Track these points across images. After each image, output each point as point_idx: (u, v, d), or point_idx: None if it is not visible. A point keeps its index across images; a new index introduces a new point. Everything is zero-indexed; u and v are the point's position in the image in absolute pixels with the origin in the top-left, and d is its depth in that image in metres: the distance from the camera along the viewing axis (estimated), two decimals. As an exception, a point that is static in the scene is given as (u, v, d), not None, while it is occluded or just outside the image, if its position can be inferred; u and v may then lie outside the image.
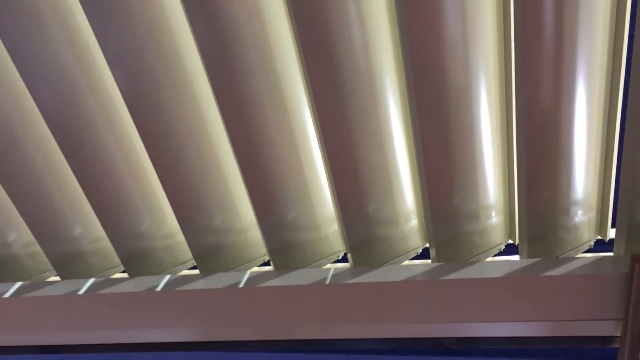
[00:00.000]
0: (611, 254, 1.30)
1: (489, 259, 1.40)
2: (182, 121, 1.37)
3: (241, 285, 1.44)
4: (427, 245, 1.50)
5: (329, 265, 1.50)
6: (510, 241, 1.48)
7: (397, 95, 1.31)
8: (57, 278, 1.65)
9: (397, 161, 1.39)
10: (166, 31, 1.27)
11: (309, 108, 1.33)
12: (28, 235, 1.61)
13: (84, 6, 1.22)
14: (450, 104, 1.25)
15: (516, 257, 1.39)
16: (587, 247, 1.40)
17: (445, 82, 1.22)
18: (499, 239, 1.46)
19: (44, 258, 1.64)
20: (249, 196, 1.42)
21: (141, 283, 1.53)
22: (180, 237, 1.55)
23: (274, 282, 1.43)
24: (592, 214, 1.39)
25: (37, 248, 1.61)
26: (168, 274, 1.57)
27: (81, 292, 1.54)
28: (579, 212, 1.36)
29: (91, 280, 1.58)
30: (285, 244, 1.49)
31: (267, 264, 1.56)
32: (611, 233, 1.40)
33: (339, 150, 1.33)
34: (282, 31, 1.26)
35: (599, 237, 1.42)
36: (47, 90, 1.34)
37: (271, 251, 1.49)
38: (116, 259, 1.63)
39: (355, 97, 1.26)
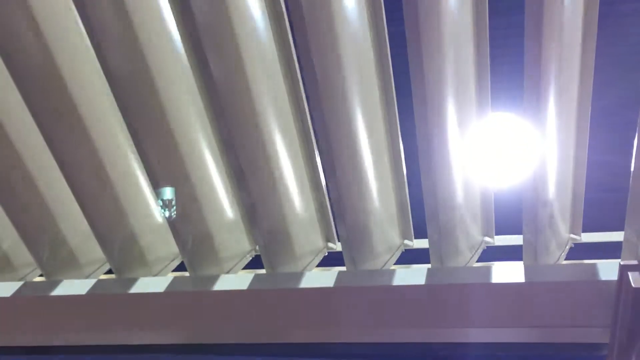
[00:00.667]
0: (601, 261, 1.31)
1: (477, 264, 1.40)
2: (171, 118, 1.36)
3: (231, 288, 1.43)
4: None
5: (318, 269, 1.50)
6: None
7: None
8: (43, 278, 1.63)
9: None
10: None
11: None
12: (14, 234, 1.58)
13: None
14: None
15: (505, 262, 1.39)
16: (568, 249, 1.42)
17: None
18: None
19: (30, 258, 1.62)
20: (239, 193, 1.41)
21: (130, 284, 1.51)
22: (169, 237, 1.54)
23: (265, 285, 1.42)
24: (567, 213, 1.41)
25: (24, 247, 1.59)
26: (156, 275, 1.56)
27: (68, 292, 1.53)
28: (557, 214, 1.37)
29: (78, 281, 1.57)
30: (273, 243, 1.48)
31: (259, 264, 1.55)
32: (584, 237, 1.43)
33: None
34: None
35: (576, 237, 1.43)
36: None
37: (259, 249, 1.47)
38: (103, 259, 1.62)
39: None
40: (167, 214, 1.46)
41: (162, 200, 1.48)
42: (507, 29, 1.47)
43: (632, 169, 1.19)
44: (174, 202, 1.45)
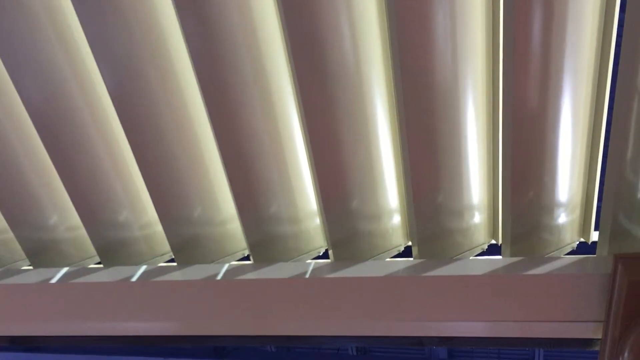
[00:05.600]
0: (594, 255, 1.29)
1: (471, 257, 1.39)
2: (166, 113, 1.35)
3: (219, 278, 1.41)
4: (410, 243, 1.48)
5: (309, 260, 1.48)
6: (494, 241, 1.47)
7: (384, 93, 1.30)
8: (30, 267, 1.61)
9: (381, 158, 1.38)
10: (156, 29, 1.25)
11: (295, 104, 1.32)
12: (1, 222, 1.56)
13: (75, 5, 1.21)
14: (437, 103, 1.24)
15: (499, 257, 1.37)
16: (569, 249, 1.39)
17: (433, 82, 1.21)
18: (482, 239, 1.44)
19: (17, 246, 1.59)
20: (231, 189, 1.40)
21: (116, 273, 1.49)
22: (159, 228, 1.51)
23: (252, 275, 1.40)
24: (576, 216, 1.38)
25: (11, 235, 1.57)
26: (144, 265, 1.53)
27: (54, 281, 1.50)
28: (563, 213, 1.35)
29: (65, 270, 1.54)
30: (266, 238, 1.46)
31: (247, 258, 1.53)
32: (594, 236, 1.40)
33: (324, 146, 1.31)
34: (271, 29, 1.25)
35: (582, 240, 1.42)
36: (32, 82, 1.32)
37: (251, 244, 1.46)
38: (92, 249, 1.59)
39: (341, 94, 1.25)
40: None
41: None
42: None
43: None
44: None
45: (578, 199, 1.37)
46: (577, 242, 1.41)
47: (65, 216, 1.58)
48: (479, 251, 1.45)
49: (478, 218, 1.42)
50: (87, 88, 1.35)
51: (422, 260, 1.37)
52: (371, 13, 1.20)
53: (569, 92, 1.23)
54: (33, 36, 1.28)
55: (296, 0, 1.13)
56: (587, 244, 1.39)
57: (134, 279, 1.47)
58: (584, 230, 1.39)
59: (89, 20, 1.23)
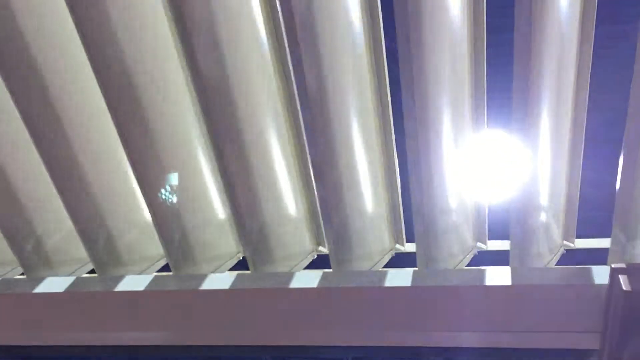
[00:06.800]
0: (591, 265, 1.28)
1: (467, 267, 1.38)
2: (160, 121, 1.34)
3: (213, 287, 1.40)
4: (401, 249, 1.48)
5: (303, 270, 1.47)
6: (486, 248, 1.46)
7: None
8: (23, 276, 1.60)
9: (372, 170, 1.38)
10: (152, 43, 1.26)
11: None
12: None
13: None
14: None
15: (495, 267, 1.36)
16: (560, 254, 1.39)
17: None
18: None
19: (9, 254, 1.58)
20: (226, 193, 1.39)
21: (109, 282, 1.48)
22: (153, 237, 1.50)
23: (248, 284, 1.39)
24: (560, 220, 1.38)
25: (4, 244, 1.56)
26: (137, 274, 1.52)
27: (46, 290, 1.49)
28: (549, 218, 1.35)
29: (57, 279, 1.53)
30: (262, 246, 1.45)
31: (242, 267, 1.52)
32: (577, 243, 1.40)
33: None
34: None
35: (576, 248, 1.41)
36: (24, 87, 1.31)
37: (247, 253, 1.45)
38: (85, 258, 1.58)
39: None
40: (172, 199, 1.42)
41: (170, 185, 1.44)
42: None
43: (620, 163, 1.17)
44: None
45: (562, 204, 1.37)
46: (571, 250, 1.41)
47: (58, 224, 1.56)
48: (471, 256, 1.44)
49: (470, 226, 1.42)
50: (80, 90, 1.34)
51: (418, 270, 1.36)
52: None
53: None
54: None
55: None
56: (585, 254, 1.39)
57: (126, 288, 1.45)
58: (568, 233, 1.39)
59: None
